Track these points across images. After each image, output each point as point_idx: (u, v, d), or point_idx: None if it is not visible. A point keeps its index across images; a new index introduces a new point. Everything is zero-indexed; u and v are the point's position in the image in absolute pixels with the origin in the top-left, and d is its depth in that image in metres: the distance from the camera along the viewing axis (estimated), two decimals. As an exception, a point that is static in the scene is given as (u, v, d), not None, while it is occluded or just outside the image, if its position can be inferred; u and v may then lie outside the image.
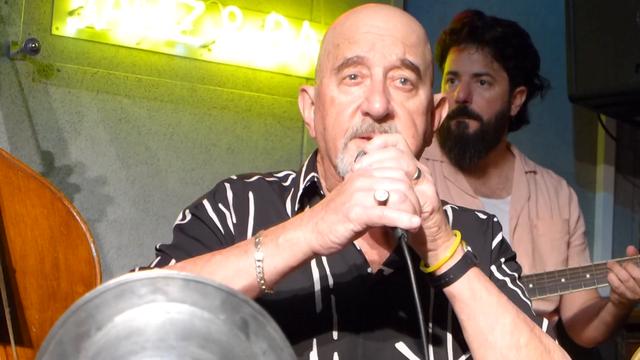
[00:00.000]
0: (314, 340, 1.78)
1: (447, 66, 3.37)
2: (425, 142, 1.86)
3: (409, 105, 1.79)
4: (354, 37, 1.81)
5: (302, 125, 3.79)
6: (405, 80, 1.79)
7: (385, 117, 1.76)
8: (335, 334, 1.79)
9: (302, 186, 1.90)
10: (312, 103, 1.92)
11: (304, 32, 3.73)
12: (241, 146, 3.67)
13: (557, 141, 4.52)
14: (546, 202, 3.41)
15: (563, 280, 3.01)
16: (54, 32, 3.29)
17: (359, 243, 1.85)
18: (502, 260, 1.95)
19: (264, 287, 1.63)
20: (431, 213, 1.65)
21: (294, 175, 1.98)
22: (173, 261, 1.79)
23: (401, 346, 1.80)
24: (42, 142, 3.25)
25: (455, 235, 1.71)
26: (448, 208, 1.99)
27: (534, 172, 3.45)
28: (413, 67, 1.79)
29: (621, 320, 3.16)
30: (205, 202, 1.89)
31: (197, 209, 1.89)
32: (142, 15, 3.41)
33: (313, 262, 1.83)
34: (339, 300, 1.81)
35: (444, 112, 1.94)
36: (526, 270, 3.26)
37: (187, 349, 1.01)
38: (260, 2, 3.70)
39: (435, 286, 1.73)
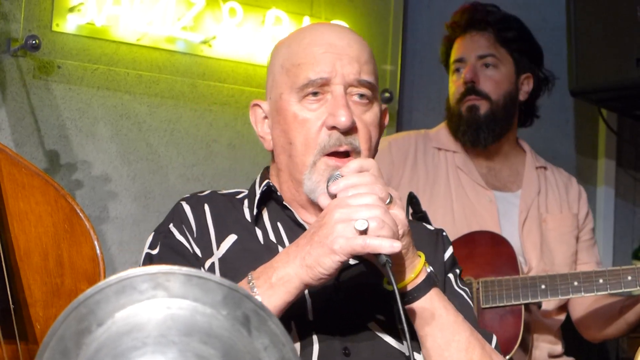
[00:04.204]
0: (292, 323, 1.85)
1: (452, 57, 3.41)
2: (375, 153, 1.98)
3: (366, 118, 1.92)
4: (314, 58, 1.91)
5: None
6: (362, 96, 1.92)
7: (350, 130, 1.88)
8: (310, 316, 1.87)
9: (258, 191, 1.99)
10: (266, 117, 2.02)
11: (305, 27, 3.73)
12: (242, 142, 3.67)
13: (558, 135, 4.52)
14: (556, 197, 3.42)
15: (576, 283, 3.01)
16: (55, 28, 3.29)
17: None
18: (458, 272, 2.05)
19: None
20: (402, 236, 1.74)
21: (245, 192, 2.07)
22: None
23: (374, 326, 1.88)
24: (43, 138, 3.25)
25: (420, 256, 1.81)
26: None
27: (545, 168, 3.47)
28: (368, 85, 1.92)
29: None
30: (172, 228, 1.98)
31: (166, 238, 1.98)
32: (142, 12, 3.41)
33: None
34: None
35: (385, 121, 2.05)
36: (534, 263, 3.26)
37: (188, 344, 1.01)
38: (261, -3, 3.70)
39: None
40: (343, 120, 1.85)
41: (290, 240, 1.92)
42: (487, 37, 3.36)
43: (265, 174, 2.05)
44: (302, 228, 1.93)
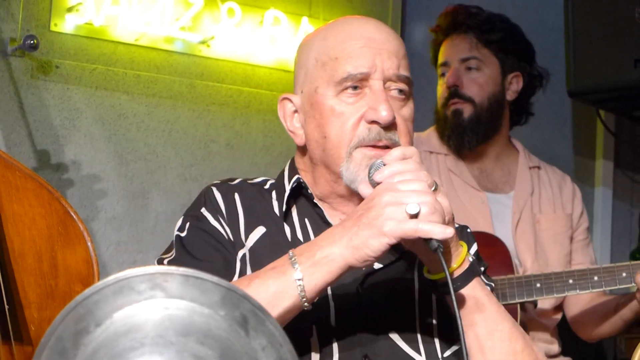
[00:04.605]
0: (314, 327, 1.84)
1: (439, 61, 3.42)
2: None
3: (404, 113, 1.91)
4: (353, 51, 1.89)
5: (301, 121, 3.79)
6: (400, 91, 1.91)
7: (390, 125, 1.86)
8: (332, 321, 1.86)
9: (288, 187, 1.97)
10: (296, 111, 1.99)
11: (303, 28, 3.73)
12: (240, 142, 3.67)
13: (556, 136, 4.52)
14: (549, 197, 3.41)
15: (571, 281, 3.01)
16: (53, 28, 3.28)
17: None
18: (482, 269, 2.04)
19: (306, 304, 1.71)
20: (447, 223, 1.71)
21: (272, 180, 2.05)
22: None
23: (395, 336, 1.87)
24: (40, 138, 3.25)
25: (462, 245, 1.79)
26: None
27: (538, 168, 3.47)
28: (406, 80, 1.91)
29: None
30: (205, 212, 1.94)
31: (198, 220, 1.94)
32: (140, 12, 3.41)
33: None
34: (334, 289, 1.88)
35: None
36: (528, 265, 3.27)
37: (186, 345, 1.01)
38: (259, -2, 3.70)
39: (439, 293, 1.82)
40: (385, 114, 1.84)
41: None
42: (469, 40, 3.35)
43: (294, 168, 2.02)
44: (329, 226, 1.90)
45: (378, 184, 1.74)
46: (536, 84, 3.47)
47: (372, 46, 1.89)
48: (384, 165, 1.76)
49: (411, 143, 1.91)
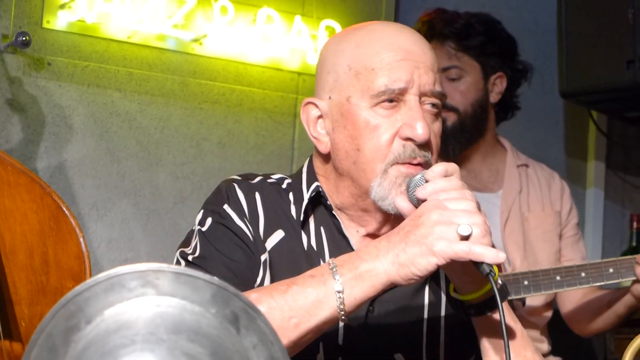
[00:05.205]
0: (321, 344, 1.81)
1: None
2: None
3: (435, 128, 1.86)
4: (390, 64, 1.83)
5: (293, 120, 3.78)
6: (433, 105, 1.85)
7: (425, 143, 1.81)
8: (340, 340, 1.83)
9: (306, 196, 1.91)
10: (320, 117, 1.91)
11: (296, 26, 3.73)
12: (232, 141, 3.67)
13: (548, 137, 4.53)
14: (538, 194, 3.41)
15: (558, 278, 3.01)
16: (45, 25, 3.28)
17: None
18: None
19: (343, 317, 1.66)
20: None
21: (289, 180, 1.98)
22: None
23: (399, 357, 1.85)
24: (32, 136, 3.24)
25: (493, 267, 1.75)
26: None
27: (526, 166, 3.46)
28: (440, 95, 1.86)
29: (633, 312, 3.17)
30: (228, 210, 1.88)
31: (221, 217, 1.87)
32: (133, 9, 3.40)
33: None
34: None
35: None
36: (517, 263, 3.27)
37: (177, 342, 1.01)
38: (252, -4, 3.70)
39: (465, 314, 1.78)
40: (421, 132, 1.79)
41: (330, 250, 1.88)
42: (447, 49, 3.31)
43: (313, 173, 1.96)
44: (345, 239, 1.89)
45: (420, 200, 1.70)
46: (520, 78, 3.44)
47: (410, 59, 1.83)
48: (426, 181, 1.72)
49: (437, 159, 1.87)
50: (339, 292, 1.64)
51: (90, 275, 2.36)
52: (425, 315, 1.89)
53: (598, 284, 3.04)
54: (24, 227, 2.35)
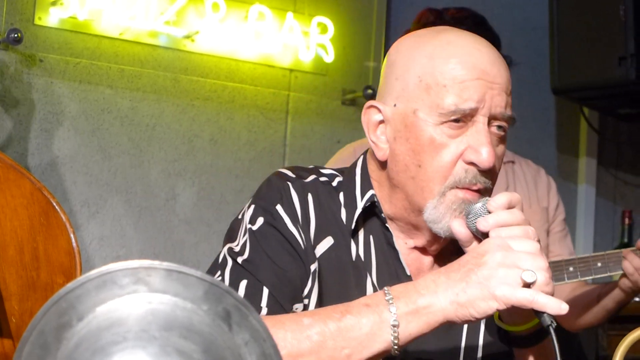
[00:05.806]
0: None
1: None
2: None
3: (499, 152, 1.80)
4: (464, 83, 1.74)
5: (284, 116, 3.79)
6: (500, 127, 1.79)
7: (488, 169, 1.76)
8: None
9: (360, 204, 1.84)
10: (382, 122, 1.83)
11: (288, 23, 3.73)
12: (224, 137, 3.66)
13: (540, 134, 4.53)
14: (524, 191, 3.41)
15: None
16: (37, 22, 3.27)
17: (409, 268, 1.84)
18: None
19: (396, 352, 1.62)
20: None
21: (340, 177, 1.90)
22: (266, 291, 1.74)
23: None
24: (24, 132, 3.24)
25: None
26: None
27: (512, 162, 3.46)
28: (509, 120, 1.80)
29: (622, 307, 3.17)
30: (281, 211, 1.81)
31: (273, 219, 1.80)
32: (125, 6, 3.40)
33: (369, 283, 1.82)
34: None
35: None
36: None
37: (169, 339, 1.01)
38: (244, -7, 3.69)
39: (507, 343, 1.76)
40: (486, 158, 1.72)
41: (378, 262, 1.82)
42: None
43: (367, 177, 1.88)
44: (394, 251, 1.83)
45: (481, 232, 1.66)
46: None
47: (484, 79, 1.74)
48: (488, 212, 1.67)
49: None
50: (394, 326, 1.60)
51: (81, 271, 2.35)
52: (463, 343, 1.86)
53: (586, 278, 3.05)
54: (14, 223, 2.34)
